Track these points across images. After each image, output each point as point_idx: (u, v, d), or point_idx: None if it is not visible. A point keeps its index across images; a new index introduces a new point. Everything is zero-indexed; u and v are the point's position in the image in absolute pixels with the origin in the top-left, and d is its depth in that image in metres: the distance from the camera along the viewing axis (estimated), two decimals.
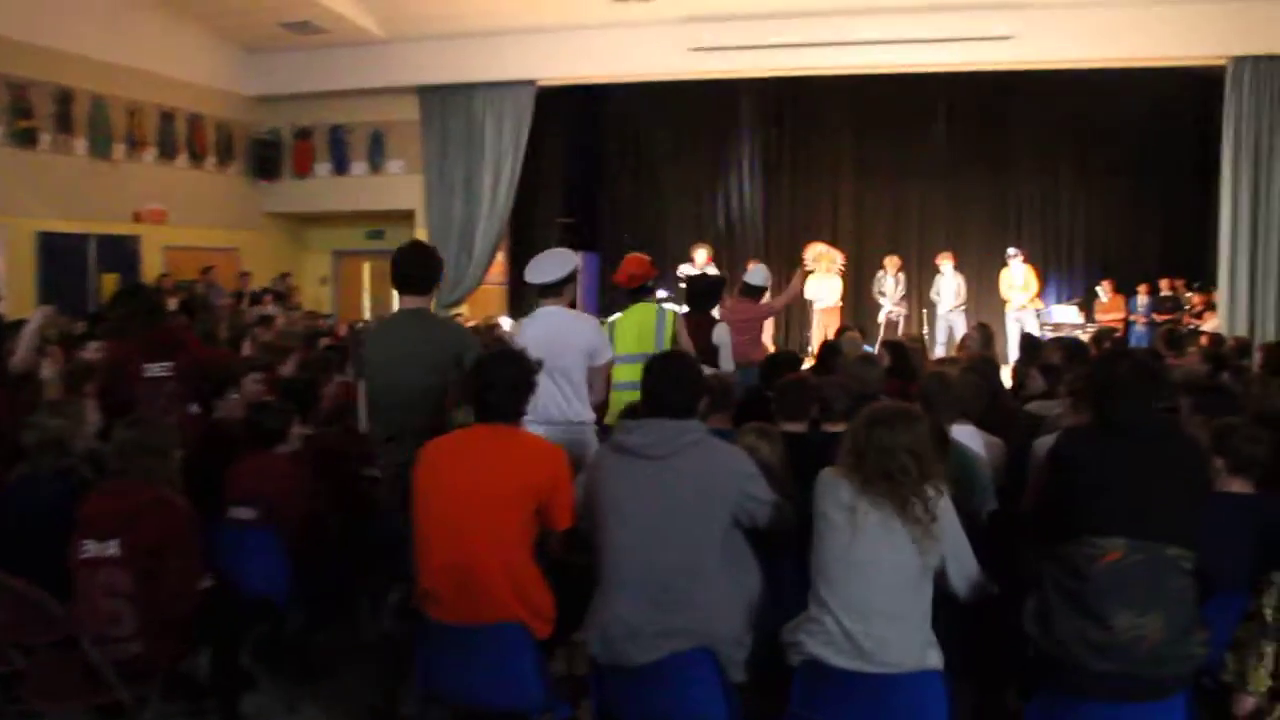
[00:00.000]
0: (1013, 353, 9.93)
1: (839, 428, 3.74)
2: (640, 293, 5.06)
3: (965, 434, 3.75)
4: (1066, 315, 11.32)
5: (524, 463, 2.80)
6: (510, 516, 2.76)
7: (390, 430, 3.51)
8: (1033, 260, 11.53)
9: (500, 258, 12.13)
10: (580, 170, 13.71)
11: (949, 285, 11.24)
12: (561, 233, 12.98)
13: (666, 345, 4.84)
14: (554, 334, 3.93)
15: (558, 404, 3.93)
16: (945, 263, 11.30)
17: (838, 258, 11.15)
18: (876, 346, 8.78)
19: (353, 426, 4.32)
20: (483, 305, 12.02)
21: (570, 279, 4.10)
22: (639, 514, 2.68)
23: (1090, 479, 2.58)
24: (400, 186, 12.02)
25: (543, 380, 3.62)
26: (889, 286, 11.50)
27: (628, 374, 4.62)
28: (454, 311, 10.75)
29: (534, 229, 12.60)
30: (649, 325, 4.88)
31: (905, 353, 5.71)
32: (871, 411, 2.66)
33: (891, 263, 11.58)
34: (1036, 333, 10.02)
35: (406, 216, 12.03)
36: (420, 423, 3.34)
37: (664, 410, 2.80)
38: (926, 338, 10.66)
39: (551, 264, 4.10)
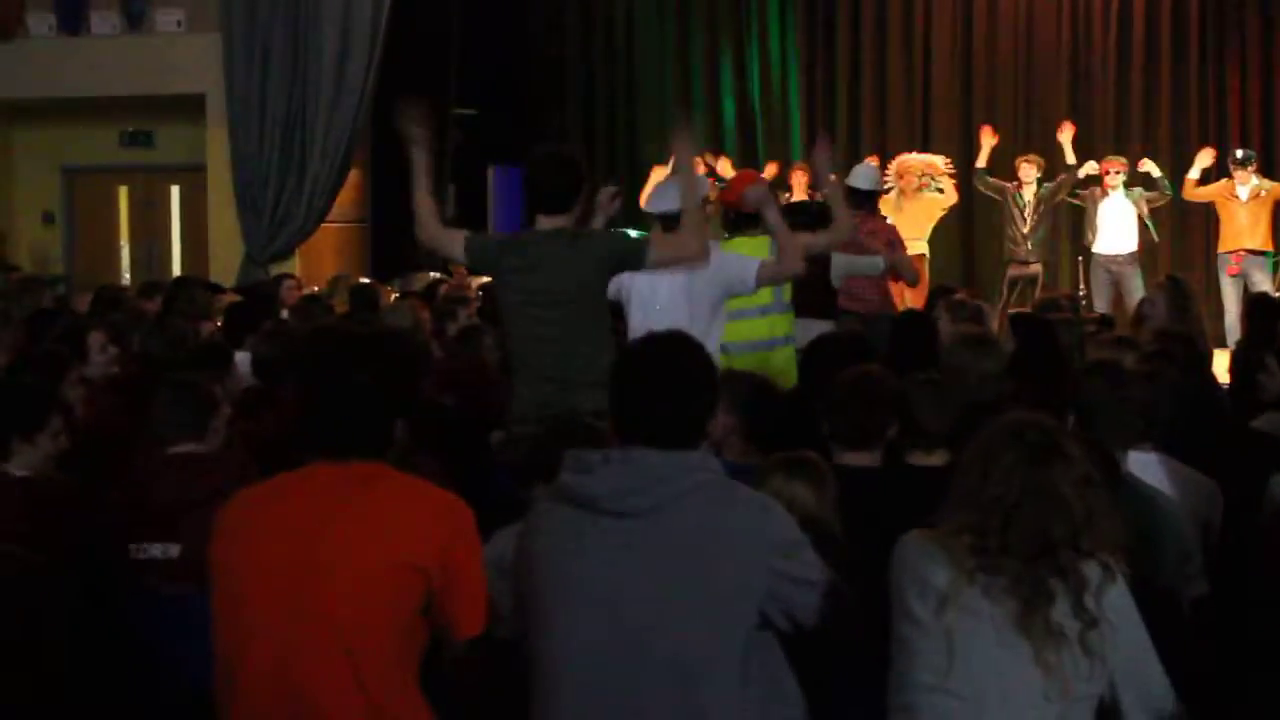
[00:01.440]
0: (1233, 329, 10.02)
1: (935, 459, 3.82)
2: (744, 222, 6.03)
3: (1149, 467, 3.82)
4: None
5: (400, 527, 2.82)
6: (377, 619, 2.77)
7: (544, 398, 4.50)
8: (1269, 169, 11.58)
9: (355, 177, 12.10)
10: (492, 31, 13.70)
11: (1120, 212, 11.14)
12: (459, 132, 12.88)
13: (787, 296, 6.05)
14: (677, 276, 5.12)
15: None
16: (1114, 173, 11.20)
17: (940, 168, 11.28)
18: (997, 319, 8.82)
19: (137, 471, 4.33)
20: (328, 256, 12.04)
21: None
22: (603, 609, 2.71)
23: None
24: (180, 54, 11.95)
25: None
26: (1021, 210, 11.28)
27: (744, 332, 5.90)
28: (277, 270, 10.79)
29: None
30: None
31: (1047, 330, 5.74)
32: (1013, 429, 2.70)
33: (1029, 167, 11.38)
34: (1270, 291, 10.10)
35: (191, 106, 11.97)
36: (587, 380, 4.35)
37: (648, 433, 2.82)
38: (1084, 302, 10.72)
39: (677, 188, 5.18)
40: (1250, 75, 13.21)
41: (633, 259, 4.84)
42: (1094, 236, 11.28)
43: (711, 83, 14.17)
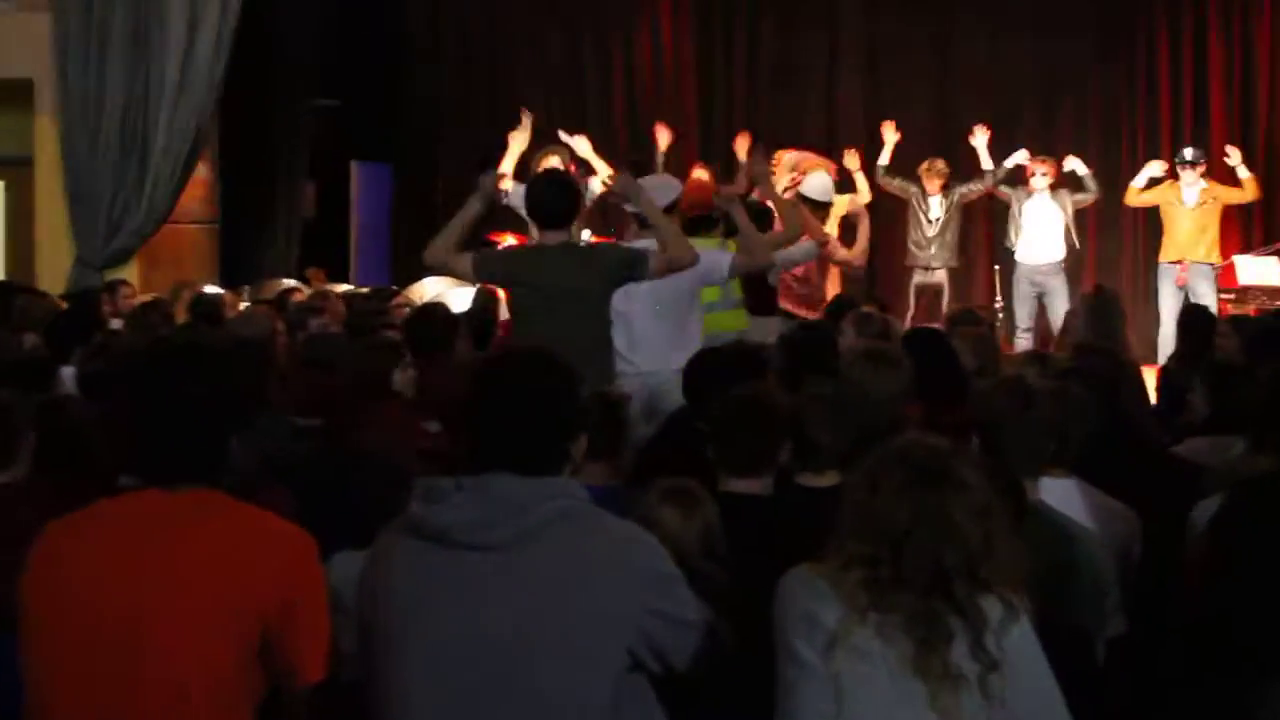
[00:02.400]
0: (1168, 343, 10.03)
1: (825, 480, 3.89)
2: (700, 225, 6.95)
3: (1065, 494, 3.82)
4: (1264, 272, 11.24)
5: (234, 564, 2.79)
6: (207, 665, 2.75)
7: None
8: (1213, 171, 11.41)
9: (203, 172, 11.96)
10: (354, 14, 13.73)
11: (1046, 217, 11.14)
12: (318, 126, 12.79)
13: (736, 294, 7.14)
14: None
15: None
16: (1038, 174, 11.19)
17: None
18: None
19: None
20: (172, 260, 11.86)
21: (671, 208, 6.35)
22: (461, 649, 2.70)
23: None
24: (6, 35, 11.79)
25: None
26: (929, 218, 11.39)
27: (710, 325, 6.75)
28: (113, 275, 10.63)
29: (267, 120, 12.56)
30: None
31: (946, 347, 5.75)
32: (901, 452, 2.71)
33: (933, 175, 11.46)
34: (1213, 305, 10.08)
35: (19, 93, 11.81)
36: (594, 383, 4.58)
37: (506, 458, 2.80)
38: (1000, 316, 10.93)
39: (659, 189, 6.33)
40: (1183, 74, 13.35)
41: (639, 271, 5.68)
42: (1017, 242, 11.25)
43: (598, 74, 14.40)
